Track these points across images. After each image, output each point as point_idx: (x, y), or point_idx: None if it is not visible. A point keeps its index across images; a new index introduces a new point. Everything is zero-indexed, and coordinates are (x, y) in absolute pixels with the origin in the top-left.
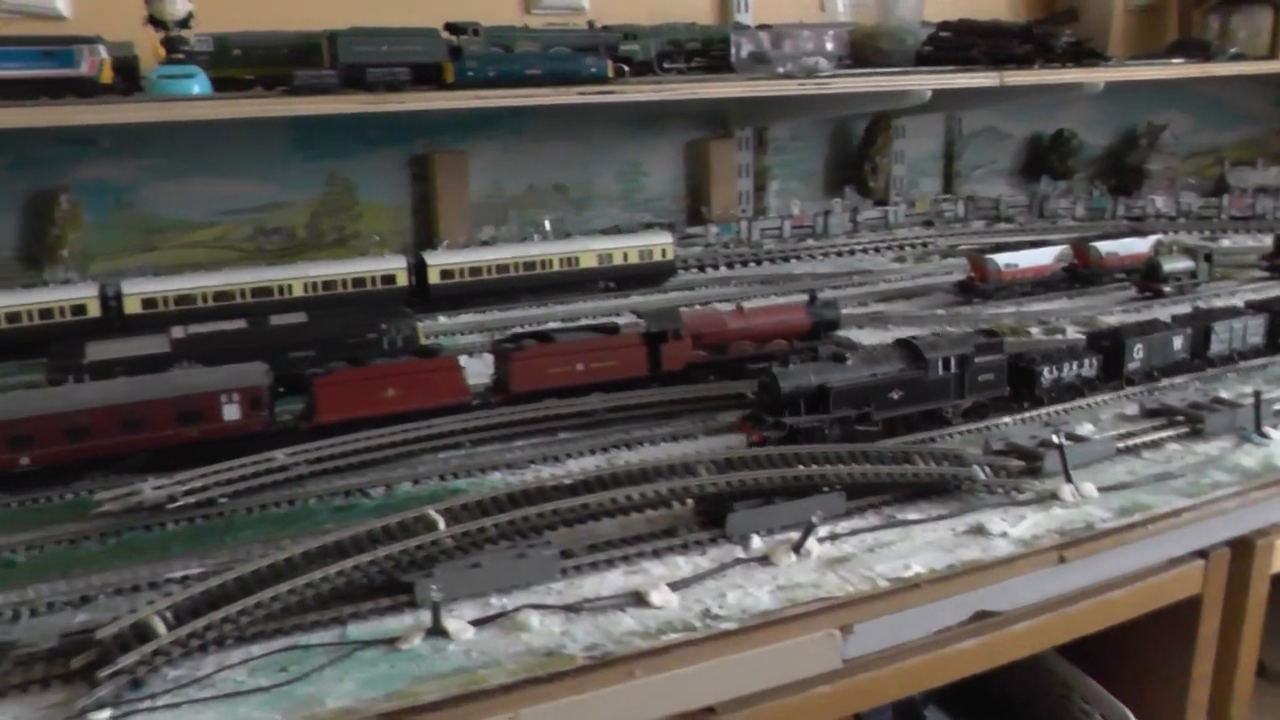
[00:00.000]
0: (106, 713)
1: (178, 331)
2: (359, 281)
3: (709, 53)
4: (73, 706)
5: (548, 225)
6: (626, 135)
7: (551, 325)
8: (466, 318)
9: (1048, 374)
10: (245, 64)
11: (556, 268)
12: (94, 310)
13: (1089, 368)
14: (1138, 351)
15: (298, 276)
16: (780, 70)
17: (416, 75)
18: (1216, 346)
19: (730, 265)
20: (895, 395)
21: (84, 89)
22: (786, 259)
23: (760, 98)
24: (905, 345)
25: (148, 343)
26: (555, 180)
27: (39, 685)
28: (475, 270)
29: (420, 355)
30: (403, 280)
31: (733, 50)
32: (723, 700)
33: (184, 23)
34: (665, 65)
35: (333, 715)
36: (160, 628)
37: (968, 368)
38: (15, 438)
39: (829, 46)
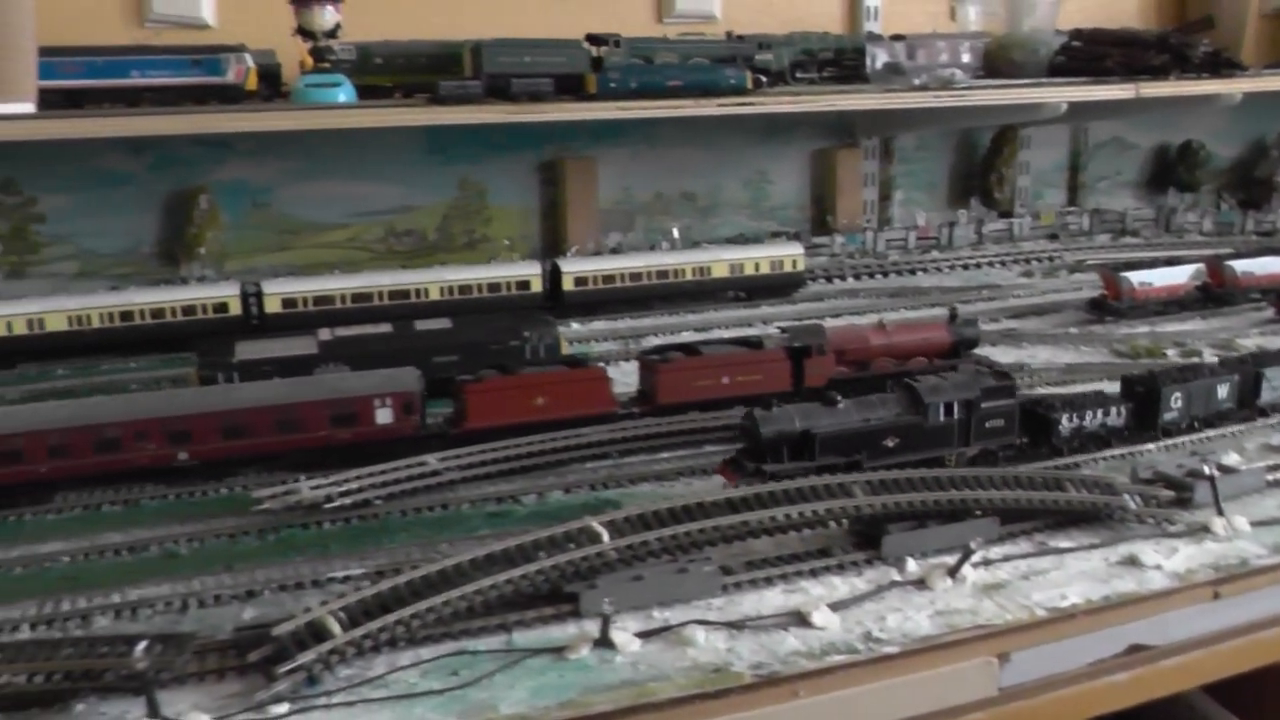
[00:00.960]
0: (284, 707)
1: (325, 334)
2: (494, 287)
3: (841, 63)
4: (250, 698)
5: (676, 233)
6: (754, 143)
7: (696, 338)
8: (599, 324)
9: (1066, 422)
10: (386, 72)
11: (689, 277)
12: (235, 309)
13: (1116, 416)
14: (1175, 400)
15: (435, 280)
16: (916, 81)
17: (559, 85)
18: (1269, 394)
19: (857, 276)
20: (890, 443)
21: (230, 95)
22: (912, 271)
23: (888, 109)
24: (905, 388)
25: (295, 344)
26: (683, 188)
27: (215, 675)
28: (609, 278)
29: (568, 365)
30: (538, 286)
31: (868, 61)
32: None
33: (332, 33)
34: (798, 75)
35: None
36: (335, 628)
37: (974, 413)
38: (174, 433)
39: (965, 58)
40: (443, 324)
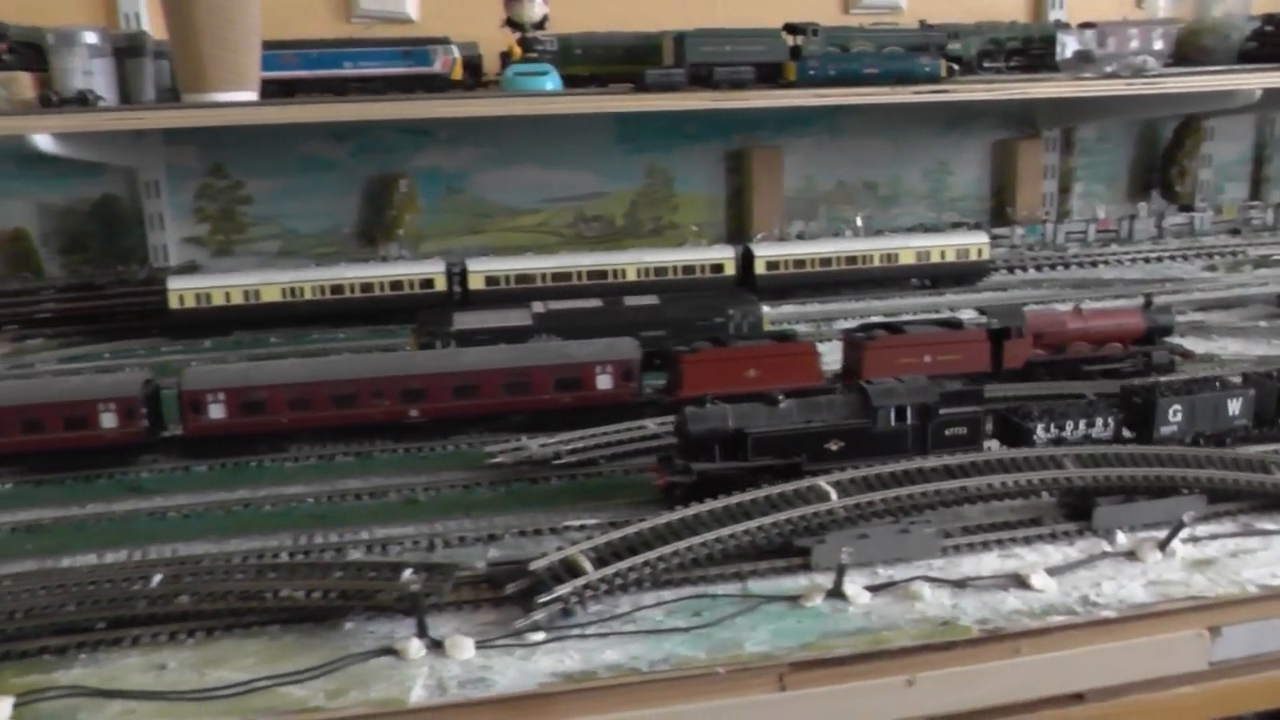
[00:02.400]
0: (541, 635)
1: (538, 306)
2: (689, 269)
3: (1028, 51)
4: (509, 626)
5: (859, 221)
6: (936, 134)
7: (901, 319)
8: (788, 308)
9: (1042, 432)
10: (585, 62)
11: (876, 263)
12: (440, 285)
13: (1102, 428)
14: (1174, 414)
15: (632, 262)
16: (1107, 69)
17: (759, 74)
18: None
19: (1038, 268)
20: (834, 446)
21: (436, 85)
22: (1093, 264)
23: (1073, 98)
24: (856, 390)
25: (511, 315)
26: (865, 177)
27: (472, 605)
28: (799, 263)
29: (776, 340)
30: (730, 270)
31: (1058, 49)
32: (1093, 688)
33: (539, 25)
34: (985, 65)
35: (752, 658)
36: (587, 566)
37: (930, 420)
38: (409, 391)
39: (1157, 44)
40: (650, 300)
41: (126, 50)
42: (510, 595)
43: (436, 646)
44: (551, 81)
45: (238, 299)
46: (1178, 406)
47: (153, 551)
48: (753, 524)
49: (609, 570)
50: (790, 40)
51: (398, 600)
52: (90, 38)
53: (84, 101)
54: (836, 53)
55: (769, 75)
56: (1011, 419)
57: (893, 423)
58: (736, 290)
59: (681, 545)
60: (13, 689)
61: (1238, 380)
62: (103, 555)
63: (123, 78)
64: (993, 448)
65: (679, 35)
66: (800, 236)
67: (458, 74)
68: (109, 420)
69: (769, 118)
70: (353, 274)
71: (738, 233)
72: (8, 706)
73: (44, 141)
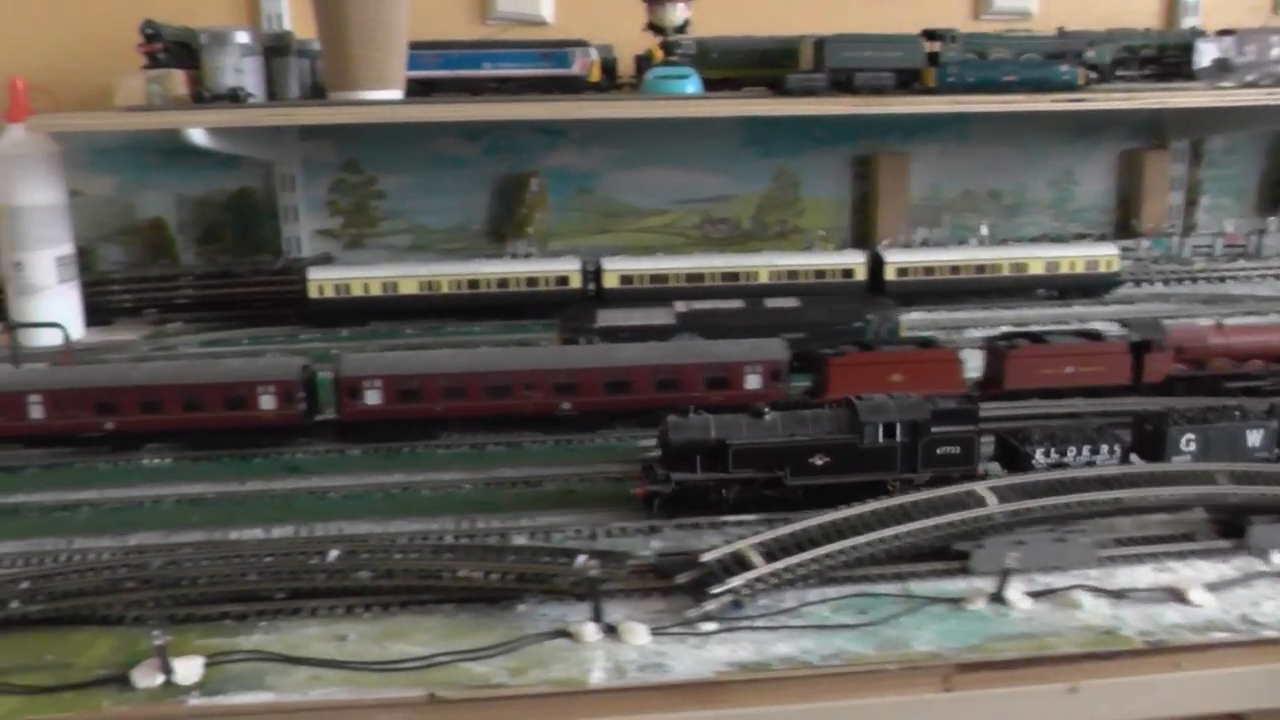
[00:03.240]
0: (713, 625)
1: (680, 305)
2: (820, 273)
3: (1162, 59)
4: (679, 615)
5: (984, 230)
6: (1063, 143)
7: (1034, 329)
8: (916, 315)
9: (1041, 457)
10: (721, 66)
11: (1005, 272)
12: (575, 282)
13: (1108, 455)
14: (1187, 443)
15: (764, 265)
16: (1247, 78)
17: (898, 80)
18: None
19: (1165, 282)
20: (818, 461)
21: (574, 86)
22: (1221, 279)
23: (1207, 108)
24: (844, 405)
25: (654, 314)
26: (991, 186)
27: (640, 593)
28: (928, 270)
29: (919, 346)
30: (861, 275)
31: (1195, 56)
32: (1253, 709)
33: (681, 28)
34: (1119, 72)
35: (920, 657)
36: (757, 560)
37: (921, 438)
38: (560, 385)
39: None
40: (791, 303)
41: (273, 50)
42: (681, 585)
43: (611, 631)
44: (693, 85)
45: (376, 290)
46: (1190, 435)
47: (318, 529)
48: (914, 526)
49: (778, 565)
50: (928, 46)
51: (574, 585)
52: (242, 37)
53: (235, 98)
54: (975, 59)
55: (906, 81)
56: (1010, 441)
57: (880, 439)
58: (870, 295)
59: (846, 544)
60: (199, 649)
61: (1261, 409)
62: (269, 530)
63: (269, 76)
64: (989, 470)
65: (819, 40)
66: (924, 244)
67: (595, 76)
68: (268, 402)
69: (899, 124)
70: (489, 269)
71: (862, 239)
72: (198, 665)
73: (198, 135)
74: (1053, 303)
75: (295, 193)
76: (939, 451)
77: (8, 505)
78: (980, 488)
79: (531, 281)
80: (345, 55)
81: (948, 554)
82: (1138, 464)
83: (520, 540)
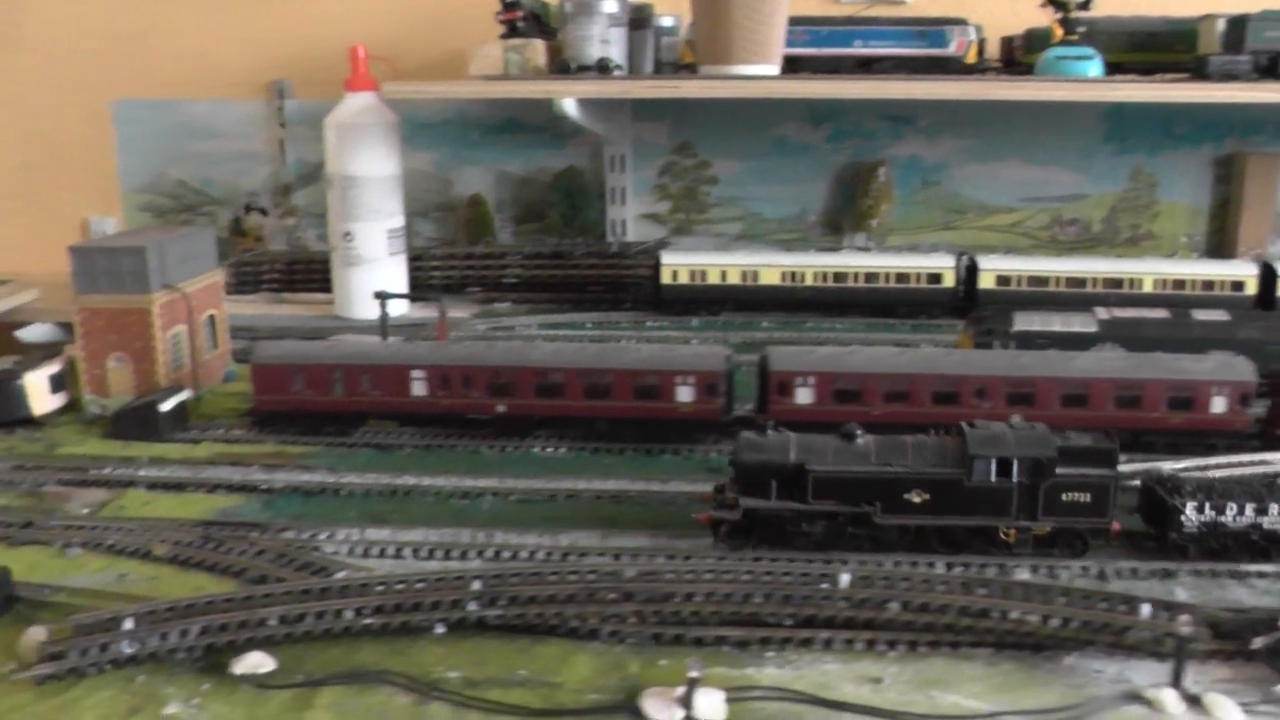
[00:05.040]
0: None
1: (1102, 312)
2: (1208, 284)
3: None
4: (1268, 690)
5: None
6: None
7: None
8: None
9: (1193, 513)
10: (1109, 48)
11: None
12: (948, 281)
13: (1278, 516)
14: None
15: (1148, 272)
16: None
17: None
18: None
19: None
20: (915, 498)
21: (949, 67)
22: None
23: None
24: (954, 434)
25: (1074, 319)
26: None
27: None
28: None
29: None
30: (1251, 288)
31: None
32: None
33: (1084, 4)
34: None
35: None
36: None
37: (1043, 479)
38: (1015, 395)
39: None
40: (1219, 315)
41: (635, 22)
42: (1257, 651)
43: (1194, 702)
44: (1095, 67)
45: (734, 279)
46: None
47: None
48: None
49: None
50: None
51: (1153, 641)
52: (609, 6)
53: (603, 69)
54: None
55: None
56: (1156, 491)
57: (993, 478)
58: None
59: None
60: (705, 681)
61: None
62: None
63: (630, 48)
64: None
65: (1237, 19)
66: None
67: (972, 57)
68: (685, 394)
69: (1271, 120)
70: (857, 262)
71: (1219, 248)
72: (719, 701)
73: (570, 106)
74: None
75: (624, 174)
76: (1064, 498)
77: (398, 487)
78: None
79: (901, 278)
80: (726, 26)
81: None
82: None
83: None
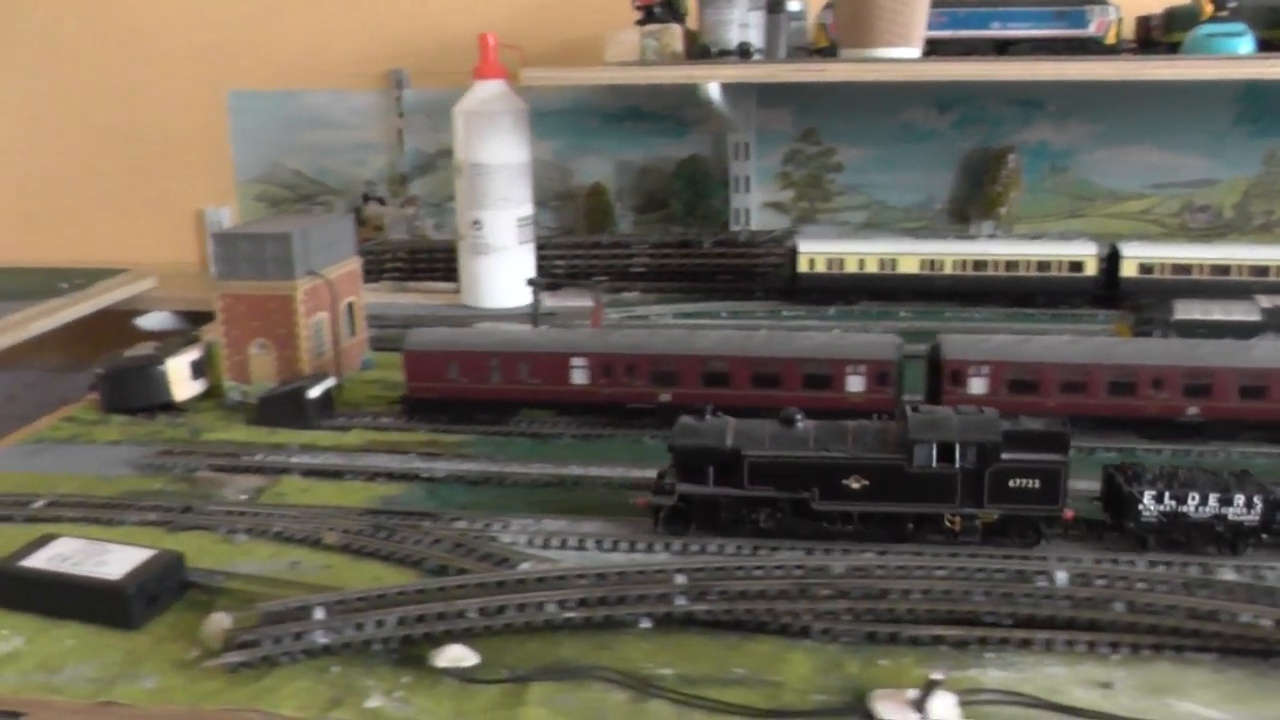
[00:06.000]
0: None
1: (1264, 301)
2: None
3: None
4: None
5: None
6: None
7: None
8: None
9: (1151, 503)
10: (1259, 24)
11: None
12: (1090, 269)
13: (1246, 509)
14: None
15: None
16: None
17: None
18: None
19: None
20: (855, 484)
21: (1089, 49)
22: None
23: None
24: (896, 419)
25: (1235, 308)
26: None
27: None
28: None
29: None
30: None
31: None
32: None
33: None
34: None
35: None
36: None
37: (987, 464)
38: (1191, 387)
39: None
40: None
41: (770, 5)
42: None
43: None
44: (1246, 44)
45: (872, 267)
46: None
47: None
48: None
49: None
50: None
51: None
52: None
53: (745, 54)
54: None
55: None
56: (1116, 478)
57: (934, 463)
58: None
59: None
60: (916, 679)
61: None
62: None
63: (766, 32)
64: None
65: None
66: None
67: (1112, 37)
68: (856, 384)
69: None
70: (997, 250)
71: None
72: (952, 705)
73: (714, 92)
74: None
75: (748, 162)
76: (1011, 484)
77: (565, 476)
78: None
79: (1043, 266)
80: (870, 8)
81: None
82: None
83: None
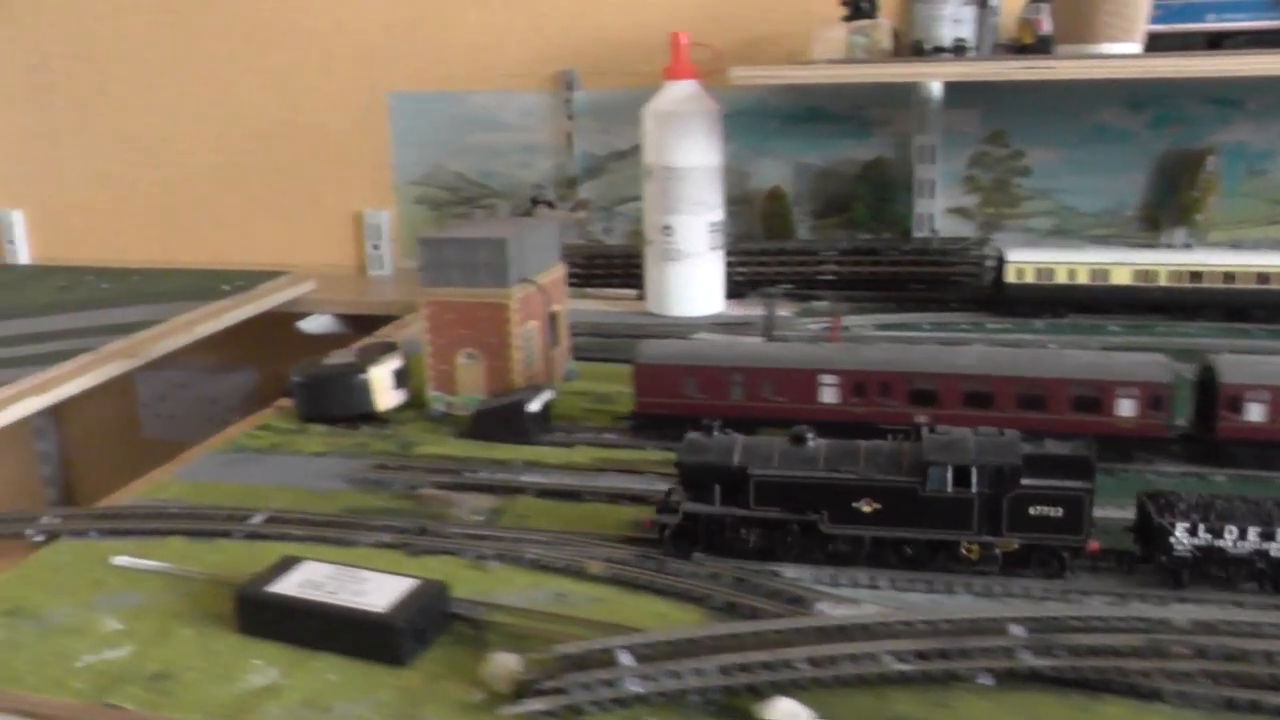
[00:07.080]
0: None
1: None
2: None
3: None
4: None
5: None
6: None
7: None
8: None
9: (1184, 535)
10: None
11: None
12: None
13: None
14: None
15: None
16: None
17: None
18: None
19: None
20: (865, 507)
21: None
22: None
23: None
24: (911, 439)
25: None
26: None
27: None
28: None
29: None
30: None
31: None
32: None
33: None
34: None
35: None
36: None
37: (1006, 490)
38: None
39: None
40: None
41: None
42: None
43: None
44: None
45: (1082, 278)
46: None
47: None
48: None
49: None
50: None
51: None
52: None
53: (960, 50)
54: None
55: None
56: (1146, 507)
57: (949, 487)
58: None
59: None
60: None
61: None
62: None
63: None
64: None
65: None
66: None
67: None
68: (1127, 407)
69: None
70: (1216, 261)
71: None
72: None
73: (936, 89)
74: None
75: (934, 165)
76: (1031, 512)
77: None
78: None
79: (1262, 278)
80: (1092, 2)
81: None
82: None
83: None
